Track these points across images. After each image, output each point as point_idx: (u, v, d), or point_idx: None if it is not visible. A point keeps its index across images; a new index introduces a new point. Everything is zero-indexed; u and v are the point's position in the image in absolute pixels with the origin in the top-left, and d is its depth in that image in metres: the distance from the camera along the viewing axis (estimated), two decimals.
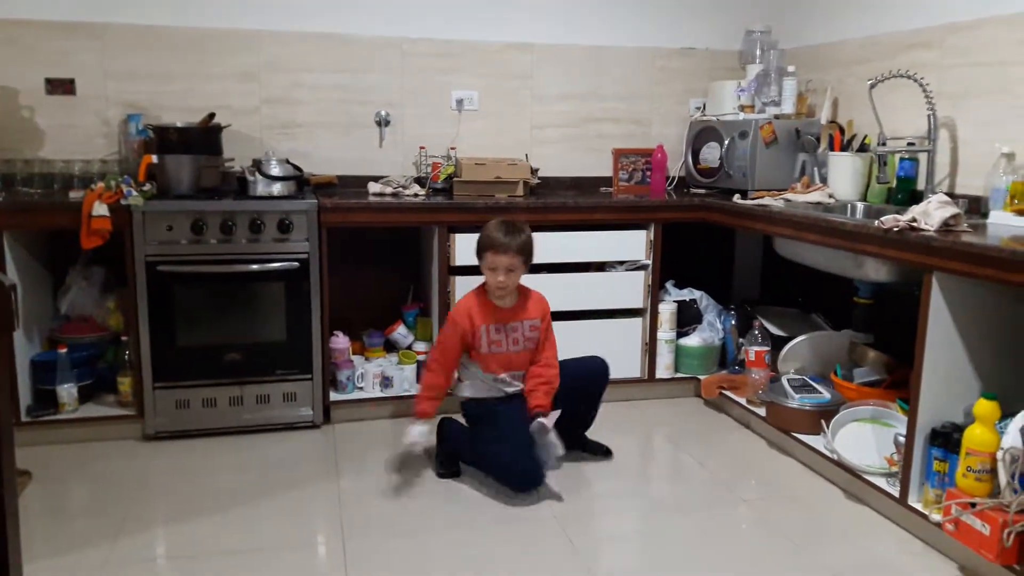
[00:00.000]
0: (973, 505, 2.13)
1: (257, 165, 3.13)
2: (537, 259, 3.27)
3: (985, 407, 2.15)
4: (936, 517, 2.27)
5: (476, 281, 3.19)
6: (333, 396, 3.22)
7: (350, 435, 3.10)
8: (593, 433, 2.96)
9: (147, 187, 2.98)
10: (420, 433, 2.68)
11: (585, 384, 2.85)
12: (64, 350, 2.97)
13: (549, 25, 3.77)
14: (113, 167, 3.24)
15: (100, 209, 2.79)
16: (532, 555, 2.27)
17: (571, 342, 3.34)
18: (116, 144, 3.35)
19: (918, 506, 2.36)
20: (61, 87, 3.28)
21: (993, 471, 2.13)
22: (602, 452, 2.93)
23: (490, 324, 2.70)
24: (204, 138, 3.17)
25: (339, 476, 2.74)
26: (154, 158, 3.01)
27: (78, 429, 2.98)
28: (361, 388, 3.29)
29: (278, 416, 3.10)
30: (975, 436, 2.15)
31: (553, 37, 3.78)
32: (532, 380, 2.72)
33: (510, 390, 2.75)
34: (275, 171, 3.12)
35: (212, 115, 3.24)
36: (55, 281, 3.21)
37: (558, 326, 3.16)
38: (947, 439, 2.28)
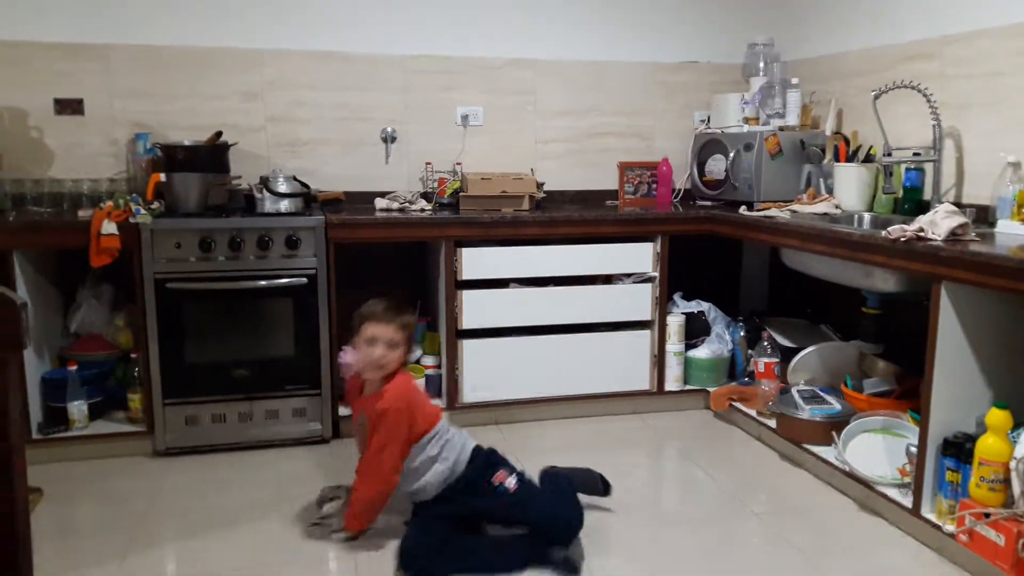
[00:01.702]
0: (987, 515, 2.12)
1: (264, 182, 3.14)
2: (545, 272, 3.29)
3: (997, 416, 2.14)
4: (950, 528, 2.26)
5: (485, 296, 3.21)
6: (342, 411, 3.22)
7: None
8: (600, 448, 2.95)
9: (155, 205, 3.00)
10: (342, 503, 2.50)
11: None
12: (74, 367, 2.98)
13: (551, 41, 3.79)
14: (121, 186, 3.27)
15: (109, 227, 2.81)
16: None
17: (579, 355, 3.35)
18: (124, 163, 3.37)
19: (931, 517, 2.35)
20: (69, 107, 3.31)
21: (1007, 481, 2.12)
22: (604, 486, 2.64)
23: (357, 410, 2.50)
24: (211, 156, 3.19)
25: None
26: (162, 176, 3.03)
27: (89, 446, 2.98)
28: None
29: (287, 431, 3.10)
30: (988, 446, 2.14)
31: (555, 53, 3.81)
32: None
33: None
34: (282, 188, 3.13)
35: (219, 133, 3.26)
36: (65, 299, 3.23)
37: (566, 339, 3.17)
38: (959, 449, 2.26)
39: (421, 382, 3.32)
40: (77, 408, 2.97)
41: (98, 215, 2.83)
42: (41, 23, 3.24)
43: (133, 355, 3.08)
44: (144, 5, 3.34)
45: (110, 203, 2.92)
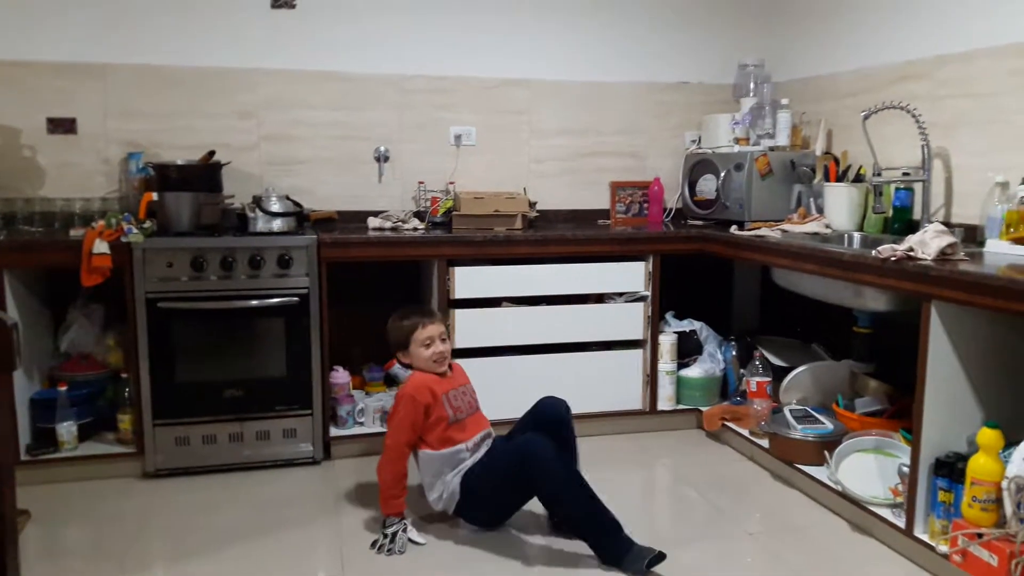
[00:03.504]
0: (980, 536, 2.12)
1: (257, 202, 3.15)
2: (537, 291, 3.30)
3: (988, 436, 2.15)
4: (943, 548, 2.25)
5: (477, 315, 3.21)
6: (333, 431, 3.20)
7: (351, 471, 3.08)
8: (592, 468, 2.92)
9: (147, 224, 2.99)
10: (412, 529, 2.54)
11: (555, 429, 2.62)
12: (64, 388, 2.96)
13: (544, 62, 3.82)
14: (113, 205, 3.26)
15: (101, 247, 2.80)
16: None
17: (571, 374, 3.35)
18: (116, 182, 3.37)
19: (924, 537, 2.35)
20: (62, 126, 3.31)
21: (999, 501, 2.12)
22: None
23: (449, 390, 2.59)
24: (204, 175, 3.18)
25: (340, 513, 2.72)
26: (154, 195, 3.03)
27: (78, 467, 2.96)
28: (361, 423, 3.27)
29: (278, 452, 3.09)
30: (979, 465, 2.15)
31: (548, 73, 3.83)
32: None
33: (472, 460, 2.58)
34: (275, 207, 3.13)
35: (212, 152, 3.27)
36: (55, 319, 3.21)
37: (559, 358, 3.17)
38: (951, 469, 2.27)
39: None
40: (66, 429, 2.95)
41: (90, 234, 2.82)
42: (35, 43, 3.25)
43: (123, 375, 3.06)
44: (139, 25, 3.35)
45: (102, 222, 2.91)
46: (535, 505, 2.55)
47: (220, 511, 2.73)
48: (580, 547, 2.43)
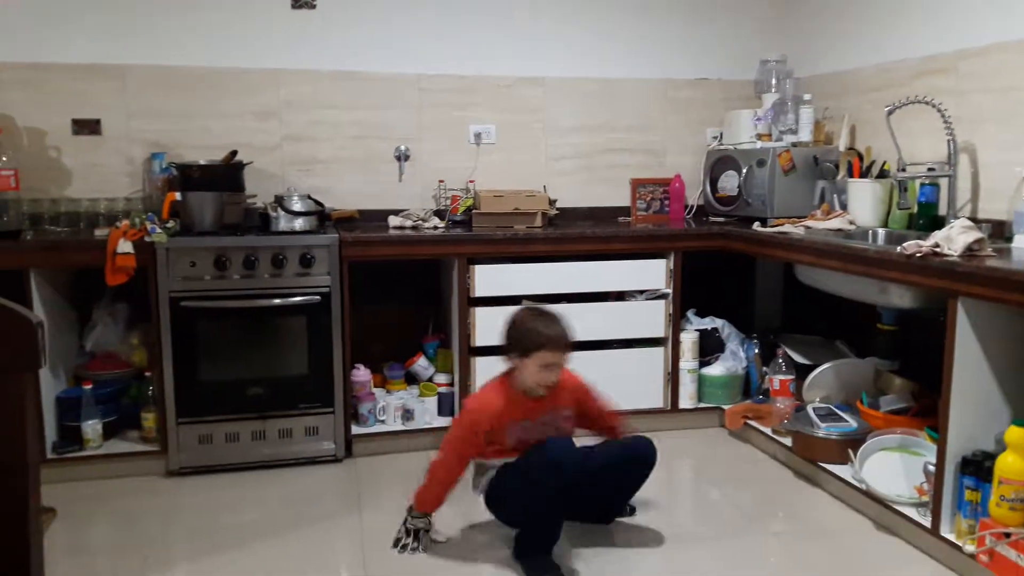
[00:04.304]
0: (1008, 535, 2.08)
1: (279, 201, 3.16)
2: (558, 289, 3.29)
3: (1017, 434, 2.11)
4: (970, 548, 2.22)
5: (498, 313, 3.19)
6: (355, 429, 3.22)
7: (372, 469, 3.09)
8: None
9: (171, 224, 3.02)
10: (435, 528, 2.48)
11: (627, 469, 2.57)
12: (89, 386, 2.99)
13: (563, 59, 3.81)
14: (137, 205, 3.29)
15: (125, 246, 2.83)
16: None
17: (592, 372, 3.33)
18: (140, 182, 3.40)
19: (951, 537, 2.32)
20: (87, 127, 3.34)
21: None
22: (628, 510, 2.70)
23: (519, 421, 2.41)
24: (227, 175, 3.20)
25: (361, 511, 2.73)
26: (177, 195, 3.05)
27: (102, 465, 2.99)
28: (383, 421, 3.28)
29: (300, 450, 3.10)
30: (1008, 464, 2.11)
31: (567, 71, 3.82)
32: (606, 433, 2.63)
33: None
34: (297, 207, 3.15)
35: (234, 152, 3.29)
36: (80, 318, 3.25)
37: (579, 356, 3.14)
38: (979, 467, 2.23)
39: (434, 400, 3.32)
40: (91, 427, 2.98)
41: (114, 234, 2.85)
42: (61, 45, 3.29)
43: (147, 373, 3.09)
44: (162, 26, 3.38)
45: (126, 222, 2.94)
46: None
47: (242, 509, 2.75)
48: (601, 550, 2.42)
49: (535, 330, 2.37)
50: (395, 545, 2.45)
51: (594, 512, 2.62)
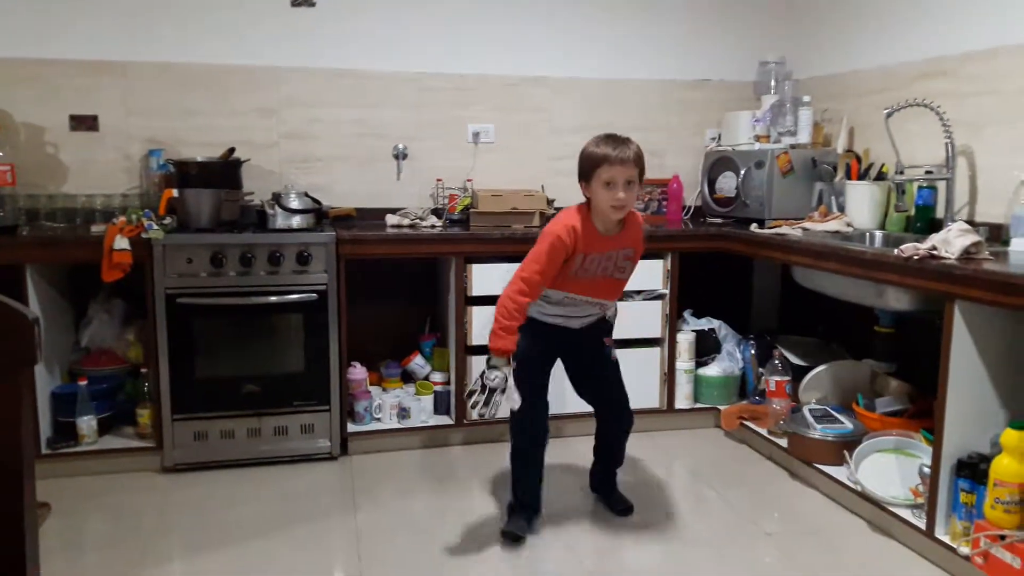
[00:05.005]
0: (1003, 538, 2.09)
1: (276, 198, 3.16)
2: None
3: (1012, 437, 2.12)
4: (964, 550, 2.23)
5: (493, 312, 3.19)
6: (350, 427, 3.21)
7: (367, 467, 3.09)
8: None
9: (167, 221, 3.01)
10: (512, 384, 2.35)
11: (615, 419, 2.73)
12: (84, 382, 2.99)
13: (563, 59, 3.81)
14: (134, 201, 3.29)
15: (121, 243, 2.82)
16: None
17: None
18: (137, 178, 3.40)
19: (945, 539, 2.32)
20: (85, 124, 3.34)
21: (1022, 502, 2.09)
22: (620, 508, 2.74)
23: (588, 253, 2.41)
24: (224, 172, 3.20)
25: (356, 509, 2.72)
26: (175, 192, 3.05)
27: (97, 461, 2.98)
28: (378, 419, 3.28)
29: (295, 448, 3.10)
30: (1003, 467, 2.12)
31: (568, 71, 3.82)
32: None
33: (572, 321, 2.54)
34: (294, 204, 3.14)
35: (232, 149, 3.29)
36: (76, 314, 3.24)
37: None
38: (974, 470, 2.24)
39: (430, 399, 3.31)
40: (86, 423, 2.98)
41: (111, 230, 2.85)
42: (59, 41, 3.28)
43: (143, 370, 3.09)
44: (161, 23, 3.37)
45: (123, 218, 2.94)
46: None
47: (237, 506, 2.74)
48: (598, 550, 2.42)
49: (590, 151, 2.38)
50: (468, 397, 2.38)
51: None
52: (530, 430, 2.55)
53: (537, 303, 2.47)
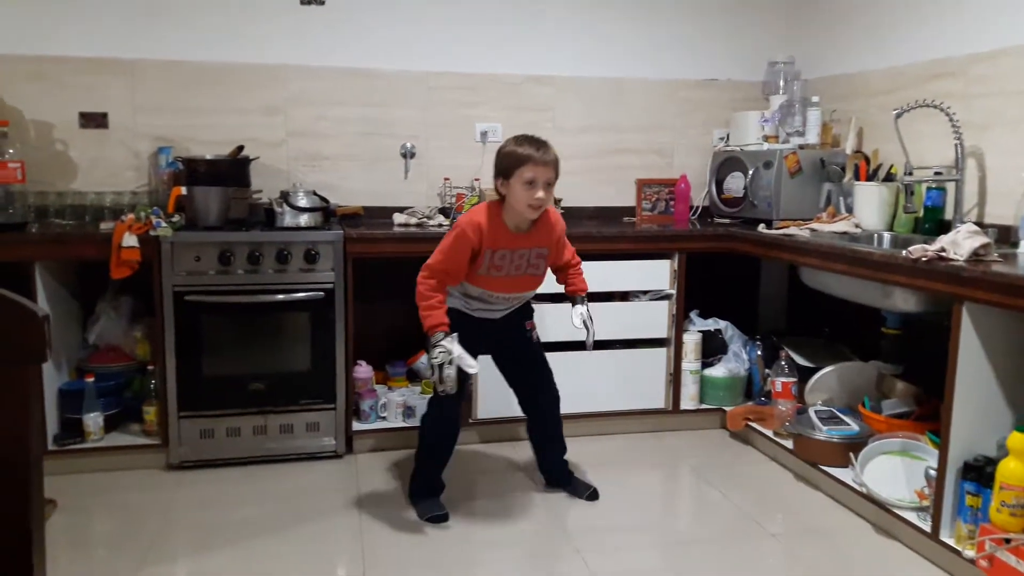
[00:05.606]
0: (1008, 541, 2.08)
1: (284, 197, 3.17)
2: (561, 288, 3.27)
3: (1019, 440, 2.11)
4: (970, 553, 2.22)
5: None
6: (356, 426, 3.22)
7: (372, 465, 3.09)
8: (614, 466, 2.93)
9: (176, 218, 3.02)
10: (460, 352, 2.42)
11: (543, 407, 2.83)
12: (91, 379, 3.00)
13: (571, 58, 3.81)
14: (143, 199, 3.30)
15: (130, 240, 2.83)
16: None
17: (594, 372, 3.34)
18: (146, 176, 3.41)
19: (951, 542, 2.31)
20: (94, 121, 3.35)
21: None
22: (587, 494, 2.79)
23: (497, 250, 2.49)
24: (233, 170, 3.21)
25: (361, 507, 2.73)
26: (183, 190, 3.06)
27: (103, 458, 3.00)
28: (384, 418, 3.29)
29: (301, 446, 3.11)
30: (1009, 470, 2.11)
31: (574, 70, 3.82)
32: (568, 275, 2.80)
33: (494, 312, 2.65)
34: (302, 202, 3.15)
35: (241, 147, 3.29)
36: (84, 311, 3.25)
37: (582, 356, 3.15)
38: (980, 473, 2.23)
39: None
40: (93, 420, 2.99)
41: (119, 228, 2.86)
42: (69, 39, 3.29)
43: (150, 367, 3.10)
44: (171, 21, 3.38)
45: (131, 216, 2.95)
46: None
47: (242, 504, 2.75)
48: (599, 550, 2.42)
49: (511, 150, 2.46)
50: (433, 391, 2.55)
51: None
52: (443, 428, 2.66)
53: (460, 298, 2.59)
